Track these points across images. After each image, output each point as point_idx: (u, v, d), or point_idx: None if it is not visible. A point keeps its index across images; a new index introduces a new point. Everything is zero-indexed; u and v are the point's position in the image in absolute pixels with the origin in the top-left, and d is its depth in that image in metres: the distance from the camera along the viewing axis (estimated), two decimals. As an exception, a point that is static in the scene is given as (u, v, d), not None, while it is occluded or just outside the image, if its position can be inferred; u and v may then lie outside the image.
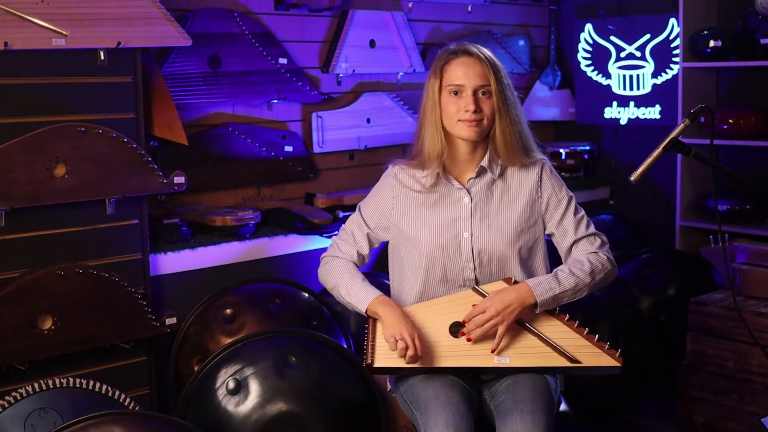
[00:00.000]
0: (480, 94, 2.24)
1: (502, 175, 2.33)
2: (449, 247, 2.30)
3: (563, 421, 2.38)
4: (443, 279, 2.31)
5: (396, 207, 2.37)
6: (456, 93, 2.25)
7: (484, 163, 2.30)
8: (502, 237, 2.30)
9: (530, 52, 4.80)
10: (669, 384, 3.53)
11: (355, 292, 2.31)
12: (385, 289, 2.37)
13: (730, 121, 3.96)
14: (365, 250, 2.42)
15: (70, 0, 2.68)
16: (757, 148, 4.11)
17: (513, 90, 2.31)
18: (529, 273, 2.33)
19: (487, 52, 2.29)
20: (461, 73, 2.24)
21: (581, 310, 2.45)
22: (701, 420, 3.34)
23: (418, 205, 2.34)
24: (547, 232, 2.37)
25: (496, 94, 2.25)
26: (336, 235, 2.51)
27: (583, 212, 2.38)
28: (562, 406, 2.42)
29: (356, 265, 2.40)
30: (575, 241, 2.34)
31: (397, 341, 2.17)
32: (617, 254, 2.61)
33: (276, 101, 3.72)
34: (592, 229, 2.35)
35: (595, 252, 2.31)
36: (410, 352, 2.16)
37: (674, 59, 4.40)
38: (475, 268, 2.30)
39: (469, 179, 2.32)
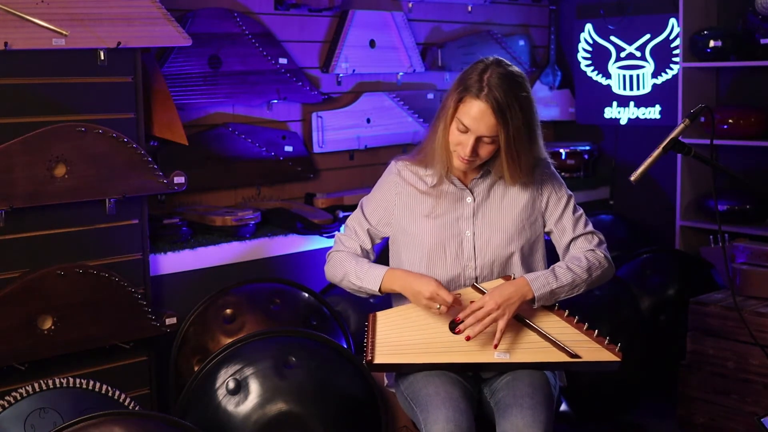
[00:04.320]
0: (483, 140, 2.22)
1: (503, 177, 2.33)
2: (451, 245, 2.31)
3: (563, 420, 2.38)
4: (444, 277, 2.32)
5: (398, 203, 2.38)
6: (462, 130, 2.22)
7: (490, 166, 2.31)
8: (503, 235, 2.31)
9: (530, 52, 4.80)
10: (669, 384, 3.53)
11: (364, 275, 2.31)
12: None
13: (730, 121, 3.96)
14: (368, 246, 2.43)
15: (70, 0, 2.68)
16: (757, 148, 4.11)
17: (533, 125, 2.24)
18: (529, 270, 2.34)
19: (510, 94, 2.16)
20: (473, 116, 2.18)
21: (581, 309, 2.45)
22: (701, 420, 3.34)
23: (421, 203, 2.35)
24: (545, 229, 2.39)
25: (503, 142, 2.20)
26: (338, 232, 2.52)
27: (581, 211, 2.39)
28: (563, 406, 2.42)
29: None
30: (573, 239, 2.35)
31: (437, 309, 2.20)
32: (617, 254, 2.62)
33: (276, 101, 3.72)
34: (589, 227, 2.37)
35: (592, 250, 2.32)
36: (449, 300, 2.18)
37: (674, 59, 4.40)
38: (476, 267, 2.31)
39: (473, 179, 2.33)
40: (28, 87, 2.65)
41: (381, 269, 2.31)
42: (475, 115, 2.18)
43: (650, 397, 3.71)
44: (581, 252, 2.32)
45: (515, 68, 2.24)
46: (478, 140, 2.21)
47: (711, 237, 4.07)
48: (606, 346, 2.23)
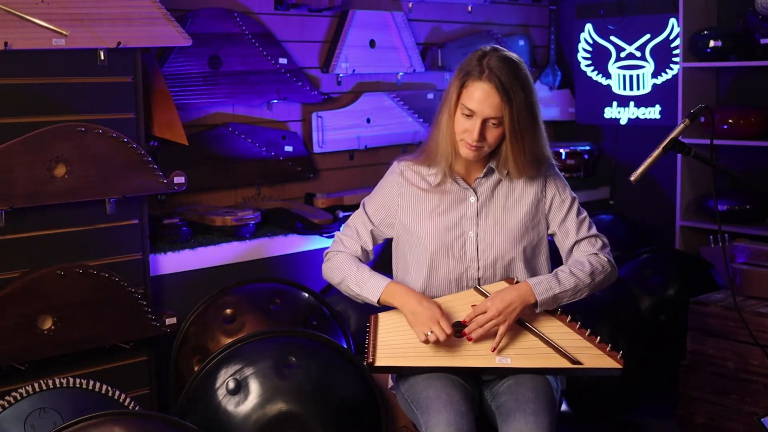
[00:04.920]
0: (489, 123, 2.21)
1: (508, 174, 2.32)
2: (454, 246, 2.30)
3: (564, 421, 2.38)
4: (446, 278, 2.31)
5: (401, 204, 2.37)
6: (467, 114, 2.23)
7: (493, 164, 2.30)
8: (507, 237, 2.30)
9: (530, 52, 4.80)
10: (669, 384, 3.53)
11: (364, 283, 2.30)
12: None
13: (730, 121, 3.96)
14: (369, 246, 2.41)
15: (70, 0, 2.68)
16: (757, 148, 4.11)
17: (535, 108, 2.25)
18: (533, 272, 2.34)
19: (510, 74, 2.19)
20: (477, 99, 2.19)
21: (581, 310, 2.45)
22: (701, 420, 3.34)
23: (424, 203, 2.34)
24: (549, 231, 2.38)
25: (508, 123, 2.20)
26: (338, 231, 2.50)
27: (585, 214, 2.38)
28: (563, 406, 2.42)
29: (360, 260, 2.40)
30: (576, 242, 2.34)
31: (427, 336, 2.19)
32: (617, 254, 2.61)
33: (276, 101, 3.72)
34: (593, 230, 2.36)
35: (596, 254, 2.31)
36: (442, 338, 2.18)
37: (674, 59, 4.40)
38: (479, 268, 2.30)
39: (476, 179, 2.32)
40: (28, 87, 2.65)
41: (382, 281, 2.29)
42: (479, 97, 2.18)
43: (650, 397, 3.71)
44: (584, 256, 2.31)
45: (512, 53, 2.27)
46: (485, 124, 2.20)
47: (711, 237, 4.07)
48: (608, 353, 2.22)
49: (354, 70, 3.94)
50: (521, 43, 4.73)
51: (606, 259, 2.31)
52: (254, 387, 2.50)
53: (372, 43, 4.01)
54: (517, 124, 2.20)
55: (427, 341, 2.20)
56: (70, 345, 2.72)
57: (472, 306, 2.24)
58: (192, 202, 3.51)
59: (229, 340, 2.80)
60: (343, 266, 2.35)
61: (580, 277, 2.26)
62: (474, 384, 2.30)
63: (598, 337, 2.25)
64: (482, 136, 2.21)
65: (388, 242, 2.46)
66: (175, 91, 3.31)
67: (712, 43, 4.00)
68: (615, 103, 4.68)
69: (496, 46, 2.28)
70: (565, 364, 2.21)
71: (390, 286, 2.28)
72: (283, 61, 3.68)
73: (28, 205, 2.62)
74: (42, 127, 2.63)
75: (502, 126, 2.21)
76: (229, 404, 2.49)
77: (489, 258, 2.30)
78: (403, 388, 2.29)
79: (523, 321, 2.25)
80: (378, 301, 2.29)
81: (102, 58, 2.75)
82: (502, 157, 2.28)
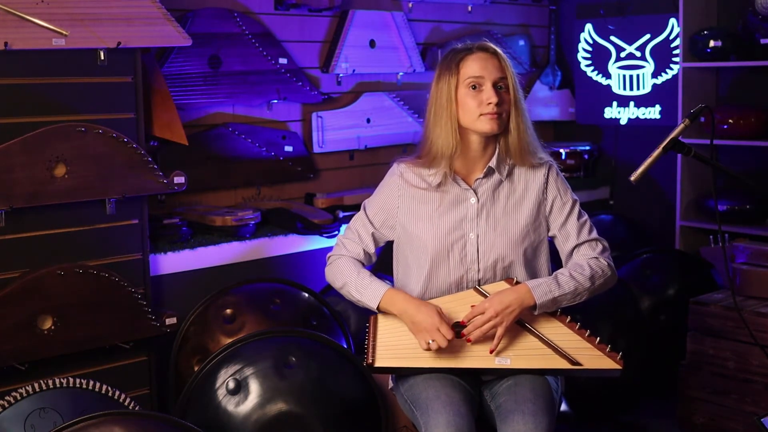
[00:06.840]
0: (498, 88, 2.25)
1: (509, 176, 2.33)
2: (455, 247, 2.30)
3: (563, 421, 2.38)
4: (447, 280, 2.31)
5: (402, 206, 2.36)
6: (475, 87, 2.24)
7: (492, 163, 2.30)
8: (508, 239, 2.29)
9: (530, 52, 4.80)
10: (669, 384, 3.53)
11: (364, 289, 2.30)
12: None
13: (730, 121, 3.96)
14: (371, 249, 2.41)
15: (70, 0, 2.68)
16: (757, 148, 4.11)
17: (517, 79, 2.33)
18: (533, 274, 2.33)
19: (499, 48, 2.31)
20: (479, 66, 2.24)
21: (581, 310, 2.44)
22: (701, 420, 3.34)
23: (424, 205, 2.33)
24: (549, 234, 2.37)
25: (512, 84, 2.26)
26: (340, 234, 2.51)
27: (586, 217, 2.37)
28: (563, 406, 2.42)
29: (363, 264, 2.40)
30: (577, 245, 2.33)
31: (429, 344, 2.19)
32: (617, 254, 2.61)
33: (276, 101, 3.72)
34: (594, 234, 2.35)
35: (596, 258, 2.30)
36: (443, 345, 2.18)
37: (674, 59, 4.40)
38: (479, 270, 2.30)
39: (476, 179, 2.32)
40: (28, 87, 2.65)
41: (381, 287, 2.29)
42: (481, 63, 2.25)
43: (650, 397, 3.71)
44: (584, 259, 2.30)
45: None
46: (495, 88, 2.24)
47: (711, 237, 4.07)
48: (607, 354, 2.21)
49: (354, 70, 3.94)
50: (521, 43, 4.73)
51: (606, 263, 2.30)
52: (254, 387, 2.50)
53: (372, 43, 4.01)
54: (517, 89, 2.27)
55: (429, 349, 2.20)
56: (70, 345, 2.72)
57: (472, 306, 2.24)
58: (192, 202, 3.51)
59: (229, 340, 2.80)
60: (345, 271, 2.35)
61: (580, 280, 2.25)
62: (474, 384, 2.30)
63: (598, 338, 2.24)
64: (500, 99, 2.24)
65: (389, 243, 2.47)
66: (175, 91, 3.31)
67: (712, 43, 4.00)
68: (615, 103, 4.68)
69: None
70: (565, 365, 2.21)
71: (388, 294, 2.28)
72: (283, 61, 3.68)
73: (28, 205, 2.62)
74: (42, 127, 2.63)
75: (508, 91, 2.26)
76: (229, 404, 2.49)
77: (489, 260, 2.29)
78: (403, 389, 2.29)
79: (522, 322, 2.25)
80: (377, 308, 2.29)
81: (102, 58, 2.75)
82: (503, 147, 2.29)
